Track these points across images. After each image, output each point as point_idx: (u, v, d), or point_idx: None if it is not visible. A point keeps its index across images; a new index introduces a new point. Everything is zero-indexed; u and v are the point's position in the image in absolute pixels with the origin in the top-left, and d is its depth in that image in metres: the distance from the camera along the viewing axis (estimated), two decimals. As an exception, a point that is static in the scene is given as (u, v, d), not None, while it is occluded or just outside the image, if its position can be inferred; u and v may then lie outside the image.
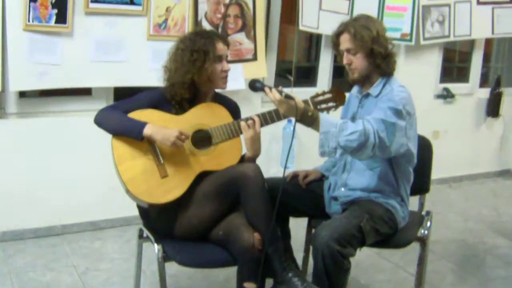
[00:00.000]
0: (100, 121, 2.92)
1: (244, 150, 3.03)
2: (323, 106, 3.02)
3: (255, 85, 2.94)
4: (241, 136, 2.98)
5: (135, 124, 2.86)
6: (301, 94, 3.09)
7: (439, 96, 5.67)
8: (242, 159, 3.04)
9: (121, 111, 2.91)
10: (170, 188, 2.86)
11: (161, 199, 2.85)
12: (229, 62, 3.07)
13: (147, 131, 2.82)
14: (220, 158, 2.96)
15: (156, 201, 2.85)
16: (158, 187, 2.86)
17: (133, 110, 2.92)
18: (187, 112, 2.98)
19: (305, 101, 2.91)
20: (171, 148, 2.85)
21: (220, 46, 2.98)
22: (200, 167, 2.93)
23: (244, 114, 3.17)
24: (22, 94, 4.05)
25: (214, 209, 2.89)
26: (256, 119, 2.95)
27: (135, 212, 3.09)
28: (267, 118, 2.97)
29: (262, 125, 2.97)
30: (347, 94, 3.18)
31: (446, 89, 5.68)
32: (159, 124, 2.86)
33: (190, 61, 2.93)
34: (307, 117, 2.79)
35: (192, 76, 2.93)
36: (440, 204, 5.18)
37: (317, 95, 3.03)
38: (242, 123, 2.95)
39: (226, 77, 3.02)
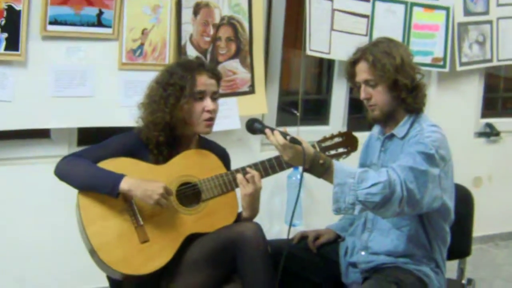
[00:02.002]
0: (63, 172, 2.92)
1: (240, 208, 3.05)
2: (332, 152, 3.04)
3: (253, 126, 2.93)
4: (237, 190, 3.00)
5: (108, 176, 2.86)
6: (309, 134, 3.13)
7: (480, 134, 5.70)
8: (238, 218, 3.05)
9: (88, 160, 2.92)
10: (152, 255, 2.87)
11: (142, 269, 2.84)
12: (219, 97, 3.10)
13: (124, 185, 2.82)
14: (211, 217, 2.98)
15: (135, 272, 2.84)
16: (137, 254, 2.86)
17: (103, 158, 2.93)
18: (170, 161, 2.99)
19: (314, 146, 2.93)
20: (153, 206, 2.86)
21: (203, 79, 3.01)
22: (188, 229, 2.94)
23: (239, 160, 3.18)
24: (-35, 138, 4.08)
25: (205, 280, 2.89)
26: (255, 172, 2.97)
27: (105, 284, 3.09)
28: (268, 168, 2.98)
29: (262, 177, 2.98)
30: (363, 137, 3.19)
31: (489, 125, 5.70)
32: (138, 177, 2.87)
33: (163, 98, 2.97)
34: (318, 166, 2.79)
35: (164, 116, 2.95)
36: (484, 268, 5.16)
37: (325, 139, 3.06)
38: (239, 176, 2.97)
39: (210, 118, 3.03)
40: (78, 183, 2.89)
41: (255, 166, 2.98)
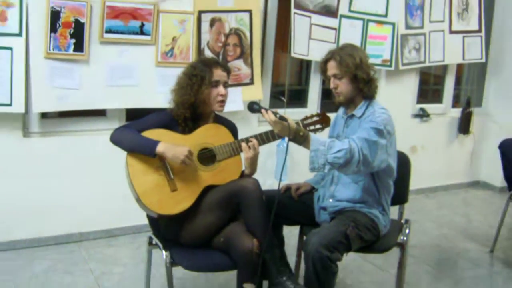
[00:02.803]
0: (116, 139, 2.90)
1: (243, 167, 3.04)
2: (312, 127, 3.03)
3: (253, 107, 2.95)
4: (241, 154, 2.99)
5: (148, 142, 2.85)
6: (293, 114, 3.11)
7: (416, 116, 5.68)
8: (242, 175, 3.05)
9: (134, 130, 2.91)
10: (179, 200, 2.86)
11: (172, 210, 2.85)
12: (228, 86, 3.07)
13: (159, 148, 2.82)
14: (223, 173, 2.96)
15: (167, 212, 2.85)
16: (169, 199, 2.85)
17: (145, 129, 2.92)
18: (194, 132, 2.98)
19: (297, 123, 2.92)
20: (180, 165, 2.85)
21: (218, 72, 2.99)
22: (206, 182, 2.93)
23: (242, 133, 3.18)
24: (44, 115, 4.05)
25: (217, 219, 2.89)
26: (255, 141, 2.96)
27: (145, 221, 3.10)
28: (264, 138, 2.98)
29: (260, 145, 2.97)
30: (332, 116, 3.19)
31: (422, 109, 5.69)
32: (170, 143, 2.86)
33: (189, 85, 2.95)
34: (299, 137, 2.80)
35: (189, 98, 2.94)
36: (417, 212, 5.18)
37: (306, 118, 3.05)
38: (243, 144, 2.96)
39: (222, 101, 3.01)
40: (126, 147, 2.88)
41: (255, 137, 2.97)
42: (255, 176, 3.00)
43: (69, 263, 3.87)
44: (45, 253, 3.98)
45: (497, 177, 5.84)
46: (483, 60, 5.71)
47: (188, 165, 2.86)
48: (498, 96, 6.03)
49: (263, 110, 2.86)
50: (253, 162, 3.00)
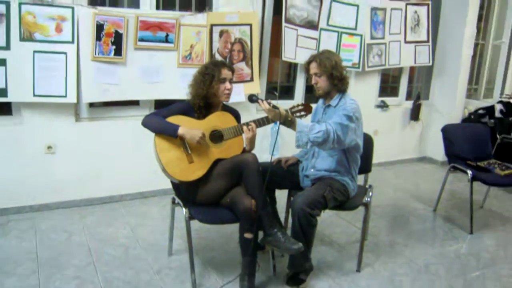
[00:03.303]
0: (146, 123, 2.88)
1: (244, 145, 3.02)
2: (297, 114, 3.01)
3: (252, 98, 2.93)
4: (243, 135, 2.97)
5: (171, 126, 2.83)
6: (283, 104, 3.07)
7: (378, 106, 5.66)
8: (243, 151, 3.03)
9: (160, 117, 2.89)
10: (195, 170, 2.85)
11: (189, 177, 2.84)
12: (233, 82, 3.04)
13: (180, 131, 2.81)
14: (229, 150, 2.95)
15: (186, 179, 2.84)
16: (187, 169, 2.84)
17: (169, 116, 2.90)
18: (206, 118, 2.96)
19: (286, 110, 2.90)
20: (195, 143, 2.83)
21: (225, 71, 2.95)
22: (215, 156, 2.92)
23: (244, 118, 3.16)
24: (91, 105, 4.02)
25: (224, 184, 2.88)
26: (253, 125, 2.93)
27: (170, 186, 3.09)
28: (261, 122, 2.95)
29: (257, 127, 2.95)
30: (314, 106, 3.17)
31: (383, 101, 5.67)
32: (188, 126, 2.84)
33: (202, 81, 2.93)
34: (287, 121, 2.78)
35: (202, 91, 2.92)
36: (378, 180, 5.17)
37: (294, 107, 3.02)
38: (244, 127, 2.93)
39: (228, 94, 2.98)
40: (154, 129, 2.86)
41: (253, 121, 2.95)
42: (254, 152, 2.98)
43: (111, 218, 3.87)
44: (93, 211, 3.99)
45: (439, 154, 5.82)
46: (430, 63, 5.66)
47: (202, 144, 2.85)
48: (441, 91, 6.00)
49: (260, 101, 2.84)
50: (252, 141, 2.99)
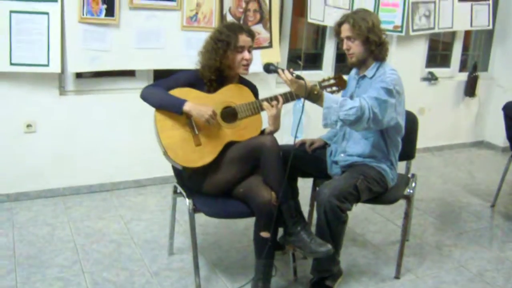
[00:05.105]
0: (146, 96, 2.89)
1: (264, 125, 3.01)
2: (328, 90, 2.98)
3: (269, 68, 2.91)
4: (262, 113, 2.96)
5: (176, 100, 2.83)
6: (309, 76, 3.06)
7: (424, 79, 5.61)
8: (262, 133, 3.02)
9: (163, 89, 2.89)
10: (203, 154, 2.86)
11: (196, 163, 2.85)
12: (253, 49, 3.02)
13: (186, 107, 2.81)
14: (244, 130, 2.95)
15: (191, 165, 2.85)
16: (193, 153, 2.85)
17: (173, 88, 2.89)
18: (218, 91, 2.95)
19: (314, 85, 2.87)
20: (204, 123, 2.84)
21: (243, 38, 2.92)
22: (228, 138, 2.92)
23: (261, 92, 3.15)
24: (78, 75, 4.05)
25: (237, 172, 2.89)
26: (280, 99, 2.92)
27: (171, 172, 3.12)
28: (288, 97, 2.94)
29: (283, 104, 2.94)
30: (346, 77, 3.14)
31: (430, 73, 5.61)
32: (196, 101, 2.84)
33: (214, 49, 2.91)
34: (314, 95, 2.76)
35: (215, 63, 2.90)
36: (423, 168, 5.15)
37: (324, 80, 3.00)
38: (265, 103, 2.92)
39: (247, 65, 2.96)
40: (155, 103, 2.87)
41: (277, 96, 2.93)
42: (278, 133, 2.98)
43: (102, 210, 3.92)
44: (80, 201, 4.04)
45: (500, 138, 5.78)
46: (490, 27, 5.58)
47: (210, 123, 2.85)
48: (503, 61, 5.92)
49: (279, 70, 2.82)
50: (275, 119, 2.96)
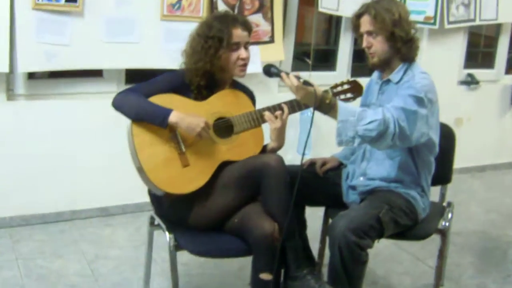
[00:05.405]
0: (120, 104, 2.87)
1: (266, 140, 3.03)
2: (342, 96, 3.01)
3: (270, 70, 2.91)
4: (263, 126, 2.98)
5: (159, 110, 2.82)
6: (319, 78, 3.10)
7: (462, 82, 5.64)
8: (264, 150, 3.04)
9: (141, 94, 2.88)
10: (192, 178, 2.86)
11: (183, 189, 2.84)
12: (250, 45, 3.03)
13: (172, 118, 2.79)
14: (241, 147, 2.96)
15: (177, 191, 2.85)
16: (180, 176, 2.85)
17: (153, 93, 2.88)
18: (209, 98, 2.96)
19: (325, 91, 2.89)
20: (195, 137, 2.85)
21: (238, 32, 2.93)
22: (222, 157, 2.93)
23: (261, 99, 3.17)
24: (31, 76, 4.06)
25: (232, 200, 2.89)
26: (286, 109, 2.94)
27: (147, 198, 3.11)
28: (295, 107, 2.95)
29: (289, 114, 2.96)
30: (365, 82, 3.17)
31: (470, 75, 5.65)
32: (183, 111, 2.84)
33: (204, 49, 2.90)
34: (325, 105, 2.76)
35: (205, 65, 2.90)
36: (462, 194, 5.15)
37: (336, 85, 3.04)
38: (267, 114, 2.94)
39: (244, 65, 2.97)
40: (132, 114, 2.85)
41: (284, 104, 2.95)
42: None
43: (59, 245, 3.91)
44: (31, 233, 4.03)
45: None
46: (544, 18, 5.64)
47: (203, 138, 2.85)
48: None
49: (283, 74, 2.81)
50: (280, 134, 2.98)
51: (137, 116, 2.84)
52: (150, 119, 2.83)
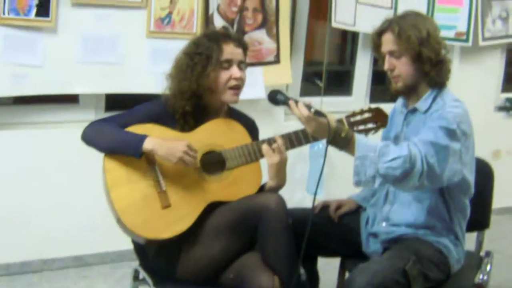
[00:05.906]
0: (90, 137, 2.89)
1: (265, 178, 3.02)
2: (361, 127, 2.99)
3: (276, 98, 2.90)
4: (261, 161, 2.97)
5: (132, 137, 2.82)
6: (333, 105, 3.09)
7: (500, 109, 5.66)
8: (262, 189, 3.03)
9: (115, 124, 2.89)
10: (173, 221, 2.84)
11: (162, 234, 2.82)
12: (246, 66, 3.05)
13: (147, 144, 2.78)
14: (235, 186, 2.95)
15: (156, 236, 2.82)
16: (158, 219, 2.83)
17: (130, 124, 2.89)
18: (196, 129, 2.96)
19: (339, 121, 2.89)
20: (175, 171, 2.83)
21: (230, 48, 2.95)
22: (211, 197, 2.91)
23: (264, 129, 3.17)
24: (-5, 102, 4.08)
25: (225, 248, 2.87)
26: (281, 141, 2.93)
27: (129, 246, 3.09)
28: (294, 140, 2.95)
29: (287, 149, 2.95)
30: (386, 108, 3.15)
31: (509, 100, 5.66)
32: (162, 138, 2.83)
33: (189, 67, 2.92)
34: (340, 139, 2.75)
35: (190, 84, 2.91)
36: (502, 240, 5.14)
37: (354, 114, 3.00)
38: (265, 147, 2.93)
39: (236, 87, 2.97)
40: (103, 146, 2.86)
41: (281, 136, 2.94)
42: (282, 189, 2.99)
43: (26, 302, 3.90)
44: (-6, 288, 4.01)
45: None
46: None
47: (186, 172, 2.84)
48: None
49: (291, 102, 2.80)
50: (279, 171, 2.97)
51: (108, 147, 2.86)
52: (122, 149, 2.83)
